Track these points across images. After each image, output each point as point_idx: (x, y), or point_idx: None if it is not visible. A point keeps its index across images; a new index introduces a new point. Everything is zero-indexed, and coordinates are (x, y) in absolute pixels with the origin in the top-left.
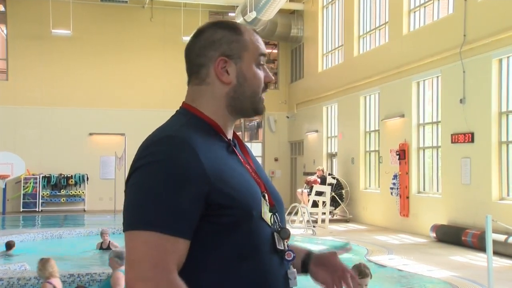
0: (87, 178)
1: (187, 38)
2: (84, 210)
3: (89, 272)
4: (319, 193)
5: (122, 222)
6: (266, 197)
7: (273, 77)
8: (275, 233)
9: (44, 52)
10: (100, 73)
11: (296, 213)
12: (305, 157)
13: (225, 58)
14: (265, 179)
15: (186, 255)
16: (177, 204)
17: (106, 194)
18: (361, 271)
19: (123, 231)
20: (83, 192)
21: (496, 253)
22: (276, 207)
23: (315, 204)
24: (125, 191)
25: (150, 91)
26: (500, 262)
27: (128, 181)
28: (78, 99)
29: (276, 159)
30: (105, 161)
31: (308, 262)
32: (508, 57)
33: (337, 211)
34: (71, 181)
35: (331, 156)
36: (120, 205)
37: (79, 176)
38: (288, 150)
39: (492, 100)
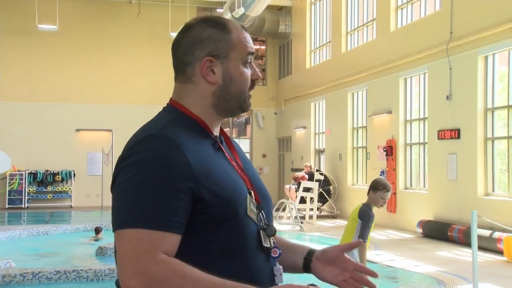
0: (74, 174)
1: (175, 34)
2: (71, 207)
3: (76, 269)
4: (307, 189)
5: (112, 222)
6: (253, 194)
7: (260, 74)
8: (261, 231)
9: (30, 48)
10: (87, 69)
11: (284, 209)
12: (293, 153)
13: (211, 58)
14: (253, 176)
15: (176, 250)
16: (164, 199)
17: (93, 190)
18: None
19: (113, 230)
20: (69, 189)
21: (481, 248)
22: (262, 204)
23: (302, 200)
24: (112, 191)
25: (138, 87)
26: (485, 257)
27: (114, 181)
28: (65, 95)
29: (264, 155)
30: (92, 157)
31: (310, 259)
32: (493, 54)
33: (325, 207)
34: (58, 177)
35: (319, 152)
36: (107, 201)
37: (66, 172)
38: (276, 146)
39: (478, 96)
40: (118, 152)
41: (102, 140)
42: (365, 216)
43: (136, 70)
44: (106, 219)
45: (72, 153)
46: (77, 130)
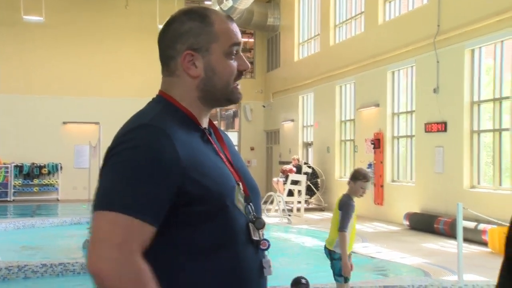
0: (61, 167)
1: None
2: (58, 200)
3: (62, 262)
4: (295, 182)
5: (93, 204)
6: (241, 187)
7: (249, 65)
8: (250, 224)
9: (16, 39)
10: (74, 61)
11: (271, 202)
12: (281, 146)
13: (192, 52)
14: (242, 168)
15: (149, 242)
16: (149, 189)
17: (80, 183)
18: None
19: (93, 211)
20: (56, 181)
21: (466, 240)
22: (251, 197)
23: (290, 193)
24: (99, 176)
25: (125, 79)
26: (470, 248)
27: (103, 167)
28: (51, 87)
29: (252, 148)
30: (79, 150)
31: None
32: (480, 47)
33: (313, 199)
34: (44, 170)
35: (307, 145)
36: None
37: (53, 165)
38: (264, 139)
39: (465, 90)
40: (105, 145)
41: (89, 133)
42: (344, 206)
43: (123, 63)
44: None
45: (59, 146)
46: (64, 122)
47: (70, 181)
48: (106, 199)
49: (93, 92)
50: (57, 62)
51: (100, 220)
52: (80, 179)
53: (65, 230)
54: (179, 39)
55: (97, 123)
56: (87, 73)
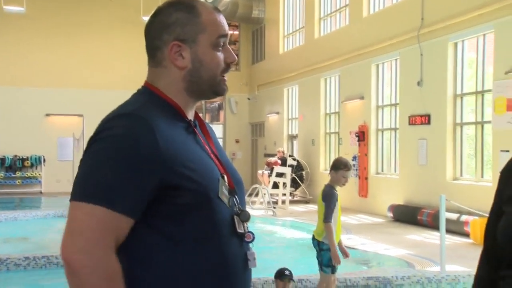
0: (44, 160)
1: (147, 18)
2: (41, 192)
3: (45, 255)
4: (280, 175)
5: (71, 191)
6: (226, 179)
7: (235, 57)
8: (235, 216)
9: None
10: (57, 52)
11: (256, 195)
12: (266, 138)
13: (179, 43)
14: (226, 161)
15: (126, 234)
16: (127, 181)
17: (64, 176)
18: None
19: (70, 200)
20: (39, 174)
21: (449, 231)
22: (235, 189)
23: (275, 185)
24: (79, 163)
25: (109, 71)
26: (453, 239)
27: (83, 154)
28: (34, 79)
29: (237, 141)
30: (63, 143)
31: None
32: (463, 41)
33: (298, 192)
34: (27, 162)
35: (292, 137)
36: None
37: (36, 158)
38: (249, 132)
39: (448, 83)
40: (89, 137)
41: (73, 125)
42: (327, 196)
43: (107, 55)
44: None
45: (42, 138)
46: (47, 114)
47: (53, 174)
48: (83, 189)
49: (77, 84)
50: (40, 53)
51: (77, 211)
52: (63, 171)
53: (48, 223)
54: (166, 29)
55: (80, 115)
56: (70, 64)
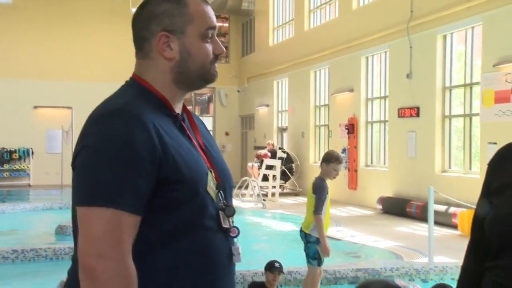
0: (32, 152)
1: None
2: (29, 185)
3: (34, 248)
4: (269, 167)
5: (72, 198)
6: (213, 174)
7: (224, 49)
8: (220, 211)
9: None
10: (45, 44)
11: (246, 187)
12: (256, 131)
13: (167, 33)
14: (216, 155)
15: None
16: (131, 180)
17: (52, 168)
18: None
19: (76, 205)
20: (28, 167)
21: (437, 223)
22: (222, 184)
23: (265, 178)
24: (73, 167)
25: (98, 63)
26: (441, 231)
27: (76, 157)
28: (22, 70)
29: (227, 133)
30: (51, 135)
31: None
32: (452, 33)
33: (287, 184)
34: (15, 155)
35: (282, 130)
36: (67, 179)
37: (24, 150)
38: (239, 124)
39: (437, 75)
40: (78, 129)
41: (62, 117)
42: (317, 189)
43: (96, 46)
44: (66, 198)
45: (30, 130)
46: (35, 107)
47: (42, 167)
48: (90, 193)
49: (65, 76)
50: (28, 45)
51: (89, 217)
52: (52, 164)
53: (37, 216)
54: (153, 20)
55: (69, 107)
56: (59, 56)
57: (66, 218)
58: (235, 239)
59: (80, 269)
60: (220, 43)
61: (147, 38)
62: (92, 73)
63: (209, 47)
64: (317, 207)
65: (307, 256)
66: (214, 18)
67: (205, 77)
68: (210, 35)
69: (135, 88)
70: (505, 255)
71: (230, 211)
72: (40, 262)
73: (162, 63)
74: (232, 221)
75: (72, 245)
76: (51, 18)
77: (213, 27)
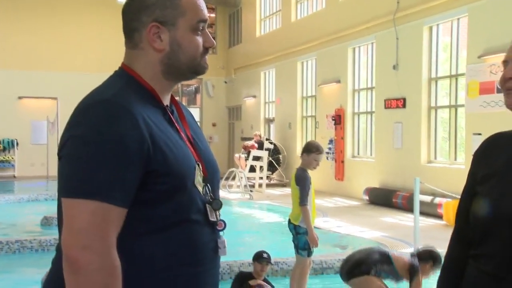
0: (17, 143)
1: (122, 0)
2: (14, 176)
3: (19, 239)
4: (257, 158)
5: (58, 188)
6: (200, 167)
7: (214, 42)
8: (207, 204)
9: None
10: (30, 33)
11: (233, 178)
12: (243, 122)
13: (158, 24)
14: (204, 148)
15: (122, 224)
16: (118, 173)
17: (37, 159)
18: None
19: (61, 197)
20: (12, 158)
21: (422, 213)
22: (209, 177)
23: (252, 169)
24: (60, 157)
25: (85, 53)
26: (426, 221)
27: (63, 147)
28: (6, 60)
29: (214, 124)
30: (36, 126)
31: None
32: (437, 24)
33: (274, 175)
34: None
35: (269, 121)
36: (53, 170)
37: (8, 141)
38: (226, 115)
39: (423, 66)
40: (64, 120)
41: (47, 108)
42: (300, 180)
43: (82, 36)
44: (52, 189)
45: (15, 121)
46: (20, 97)
47: (27, 158)
48: (77, 185)
49: (50, 66)
50: (12, 35)
51: (74, 209)
52: (37, 155)
53: (22, 207)
54: (145, 10)
55: (54, 98)
56: (44, 46)
57: (51, 209)
58: (221, 232)
59: (64, 261)
60: (210, 36)
61: (137, 28)
62: (78, 63)
63: (200, 39)
64: (302, 198)
65: (296, 247)
66: (205, 11)
67: (195, 69)
68: (201, 28)
69: (124, 79)
70: (488, 243)
71: (217, 205)
72: (25, 254)
73: (152, 54)
74: (219, 214)
75: (57, 236)
76: (36, 8)
77: (205, 20)
